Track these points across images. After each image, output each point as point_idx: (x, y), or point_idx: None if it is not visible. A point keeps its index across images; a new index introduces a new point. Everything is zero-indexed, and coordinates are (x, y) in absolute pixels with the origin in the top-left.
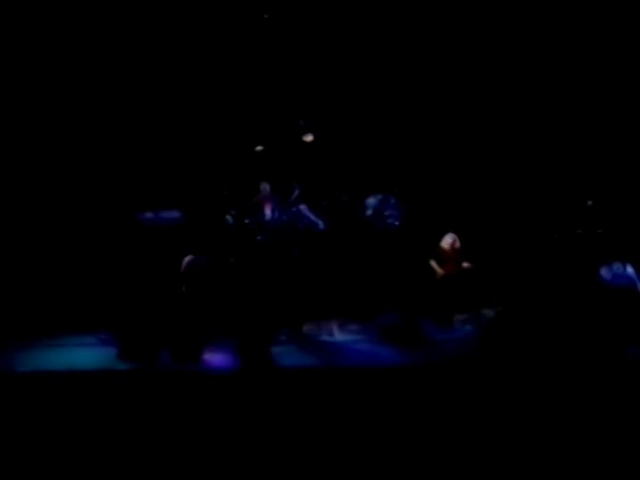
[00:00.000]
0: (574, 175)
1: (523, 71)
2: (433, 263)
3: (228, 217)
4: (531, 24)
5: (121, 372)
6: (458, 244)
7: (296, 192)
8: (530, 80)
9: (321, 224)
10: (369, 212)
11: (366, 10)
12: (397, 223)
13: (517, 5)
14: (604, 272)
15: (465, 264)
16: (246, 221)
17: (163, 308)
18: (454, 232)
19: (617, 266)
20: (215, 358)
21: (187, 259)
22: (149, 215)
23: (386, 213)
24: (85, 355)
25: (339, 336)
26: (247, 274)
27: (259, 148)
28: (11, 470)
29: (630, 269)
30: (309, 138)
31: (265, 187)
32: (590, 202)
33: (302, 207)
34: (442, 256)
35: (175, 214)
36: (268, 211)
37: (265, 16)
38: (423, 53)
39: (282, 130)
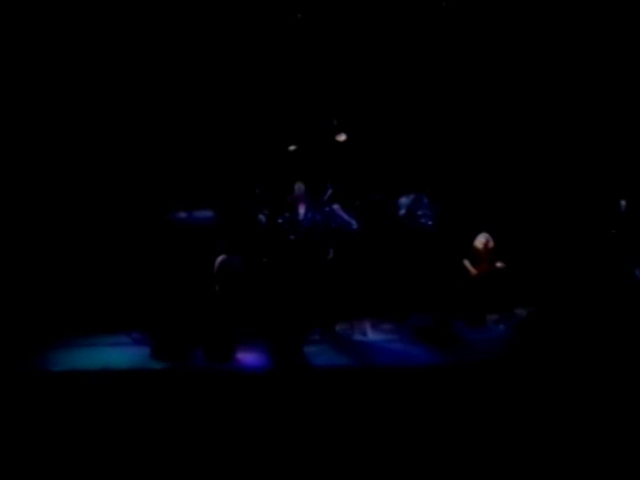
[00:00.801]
0: (608, 174)
1: (558, 68)
2: (466, 263)
3: (261, 217)
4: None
5: (154, 371)
6: (491, 244)
7: (329, 191)
8: (564, 77)
9: (354, 224)
10: (402, 212)
11: (402, 10)
12: (430, 223)
13: None
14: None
15: (498, 264)
16: (279, 221)
17: (196, 308)
18: (487, 232)
19: None
20: (248, 357)
21: (220, 259)
22: (182, 215)
23: (419, 212)
24: (119, 354)
25: (372, 336)
26: (280, 274)
27: (292, 147)
28: (47, 468)
29: None
30: (342, 138)
31: (300, 187)
32: (624, 201)
33: (335, 207)
34: (475, 256)
35: (208, 214)
36: (301, 210)
37: (299, 16)
38: (455, 54)
39: (315, 130)
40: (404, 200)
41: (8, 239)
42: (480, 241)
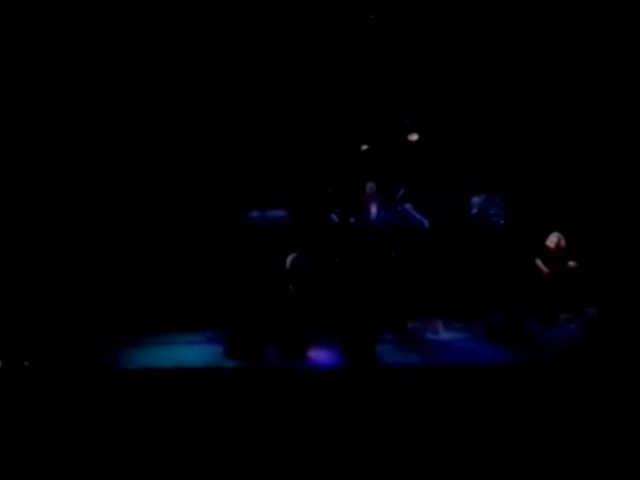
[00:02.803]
0: None
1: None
2: (538, 262)
3: (333, 216)
4: None
5: (228, 370)
6: (563, 243)
7: (401, 191)
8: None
9: (426, 223)
10: (474, 211)
11: (477, 10)
12: (502, 222)
13: None
14: None
15: (570, 263)
16: (351, 220)
17: (269, 306)
18: (559, 231)
19: None
20: (320, 356)
21: (291, 257)
22: (256, 214)
23: (491, 212)
24: (192, 353)
25: (444, 334)
26: (352, 272)
27: (364, 147)
28: (119, 462)
29: None
30: (414, 137)
31: (372, 186)
32: None
33: (407, 206)
34: (547, 255)
35: (281, 213)
36: (373, 210)
37: (371, 16)
38: (527, 56)
39: (388, 129)
40: (476, 199)
41: (87, 239)
42: (552, 240)
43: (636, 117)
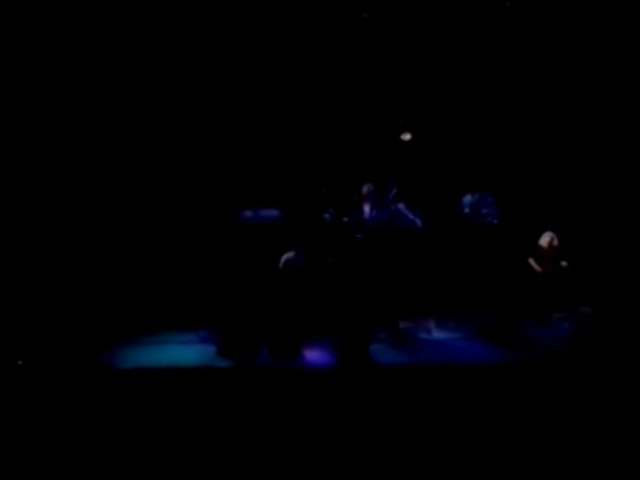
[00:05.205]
0: None
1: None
2: (531, 261)
3: (326, 215)
4: None
5: (221, 369)
6: (556, 242)
7: (394, 190)
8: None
9: (419, 222)
10: (466, 210)
11: (471, 10)
12: (495, 221)
13: None
14: None
15: (563, 262)
16: (344, 219)
17: (262, 306)
18: (552, 230)
19: None
20: (313, 356)
21: (285, 257)
22: (249, 214)
23: (484, 211)
24: (185, 352)
25: (437, 334)
26: (345, 272)
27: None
28: (114, 463)
29: None
30: (407, 137)
31: (369, 187)
32: None
33: (400, 205)
34: (540, 254)
35: (274, 212)
36: (367, 209)
37: (364, 16)
38: (517, 54)
39: (381, 129)
40: (468, 198)
41: (81, 237)
42: (545, 240)
43: (626, 116)
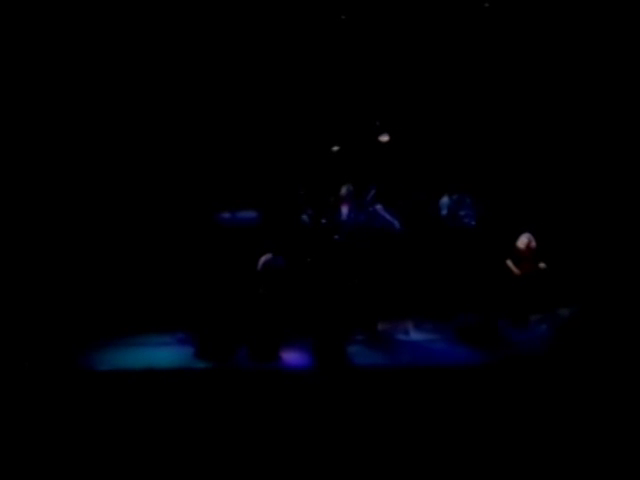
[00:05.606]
0: None
1: (606, 69)
2: (509, 263)
3: (305, 217)
4: None
5: (199, 371)
6: (534, 244)
7: (372, 192)
8: (610, 79)
9: (397, 224)
10: (443, 212)
11: (447, 12)
12: (473, 223)
13: None
14: None
15: (541, 264)
16: (322, 221)
17: (240, 307)
18: (530, 232)
19: None
20: (291, 357)
21: (263, 258)
22: (226, 215)
23: (462, 213)
24: (163, 354)
25: (414, 335)
26: (323, 274)
27: (335, 148)
28: (90, 466)
29: None
30: (385, 138)
31: (349, 188)
32: None
33: (378, 207)
34: (518, 256)
35: (252, 214)
36: (345, 211)
37: (342, 17)
38: (495, 56)
39: (358, 131)
40: (445, 200)
41: (56, 239)
42: (522, 241)
43: (603, 115)
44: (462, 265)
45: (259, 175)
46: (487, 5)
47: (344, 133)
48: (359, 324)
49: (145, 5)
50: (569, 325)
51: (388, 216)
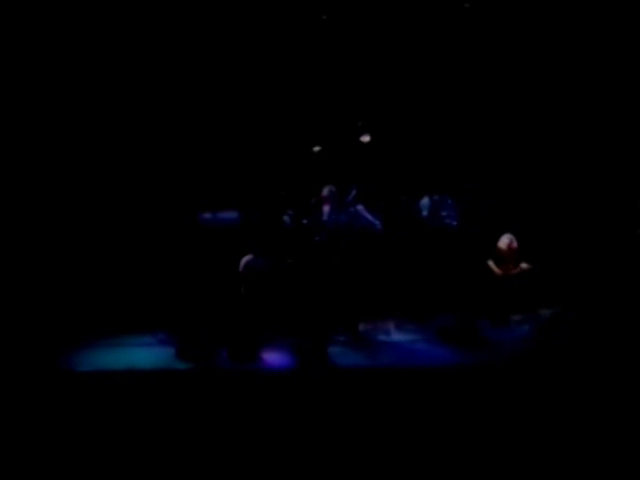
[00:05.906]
0: (633, 174)
1: (590, 69)
2: (490, 263)
3: (286, 217)
4: None
5: (179, 372)
6: (515, 244)
7: (353, 192)
8: (597, 79)
9: (378, 224)
10: (424, 213)
11: (430, 12)
12: (454, 223)
13: None
14: None
15: (522, 264)
16: (304, 221)
17: (221, 308)
18: (511, 232)
19: None
20: (272, 358)
21: (245, 259)
22: (207, 216)
23: (443, 213)
24: (144, 355)
25: (395, 336)
26: (304, 274)
27: (316, 149)
28: (70, 468)
29: None
30: (366, 139)
31: (331, 189)
32: None
33: (359, 207)
34: (499, 256)
35: (233, 215)
36: (326, 211)
37: (323, 17)
38: (478, 58)
39: (339, 131)
40: (425, 201)
41: (34, 240)
42: (504, 242)
43: (587, 114)
44: (443, 265)
45: (240, 175)
46: (467, 5)
47: (325, 133)
48: (340, 325)
49: (129, 6)
50: (550, 325)
51: (369, 217)
